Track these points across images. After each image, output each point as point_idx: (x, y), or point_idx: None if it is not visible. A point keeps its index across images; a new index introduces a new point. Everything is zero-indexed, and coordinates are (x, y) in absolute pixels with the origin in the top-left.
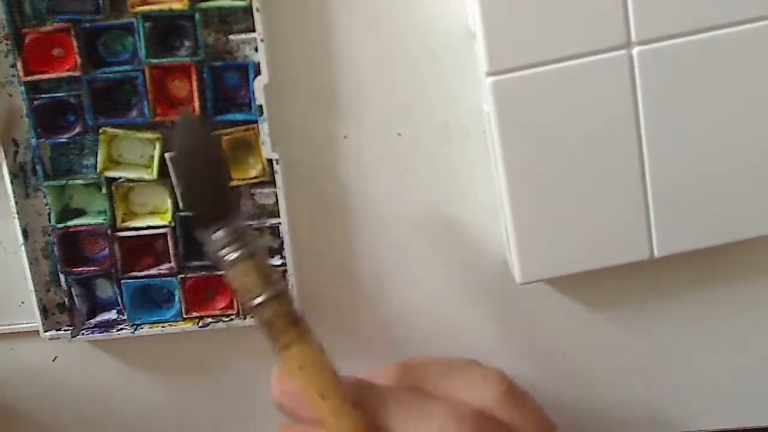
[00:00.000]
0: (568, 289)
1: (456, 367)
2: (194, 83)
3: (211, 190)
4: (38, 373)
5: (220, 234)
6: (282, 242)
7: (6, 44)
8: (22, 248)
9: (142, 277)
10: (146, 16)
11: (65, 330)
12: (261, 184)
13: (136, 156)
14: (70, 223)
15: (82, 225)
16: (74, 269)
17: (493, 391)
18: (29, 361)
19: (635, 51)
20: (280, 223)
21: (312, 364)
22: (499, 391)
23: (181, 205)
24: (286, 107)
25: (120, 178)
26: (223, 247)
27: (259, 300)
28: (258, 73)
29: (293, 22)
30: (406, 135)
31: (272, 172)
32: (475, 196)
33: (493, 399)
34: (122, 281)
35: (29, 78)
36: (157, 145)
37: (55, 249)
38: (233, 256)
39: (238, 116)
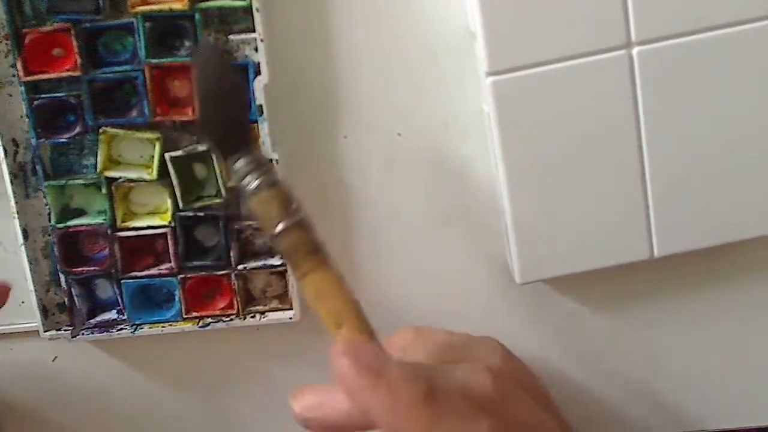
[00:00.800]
0: (568, 289)
1: (454, 335)
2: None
3: (233, 117)
4: (38, 373)
5: (241, 162)
6: None
7: (6, 44)
8: (22, 248)
9: (142, 277)
10: (146, 16)
11: (65, 330)
12: None
13: (136, 156)
14: (70, 223)
15: (82, 225)
16: (74, 269)
17: (497, 353)
18: (29, 361)
19: (635, 51)
20: None
21: (328, 292)
22: (500, 353)
23: (202, 132)
24: (286, 107)
25: (120, 178)
26: (245, 176)
27: (280, 228)
28: (258, 73)
29: (293, 22)
30: (406, 135)
31: None
32: (475, 196)
33: (500, 359)
34: (122, 281)
35: (29, 78)
36: (157, 145)
37: (55, 249)
38: (255, 184)
39: None
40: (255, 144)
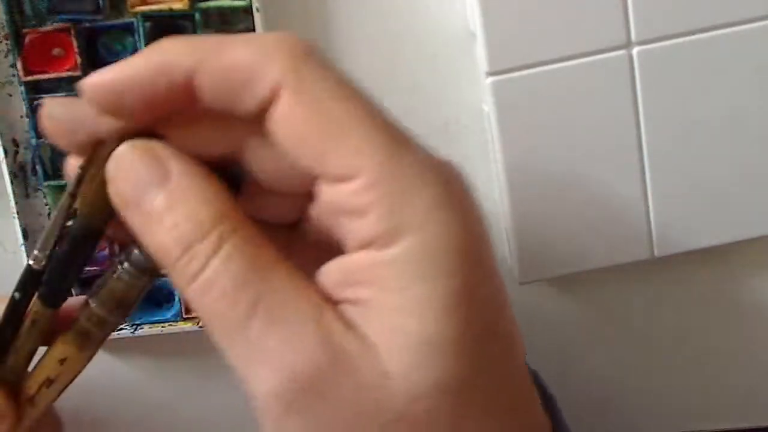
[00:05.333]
0: (568, 289)
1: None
2: None
3: None
4: None
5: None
6: None
7: (6, 44)
8: (22, 248)
9: None
10: (146, 16)
11: None
12: None
13: None
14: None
15: None
16: None
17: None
18: None
19: (635, 51)
20: None
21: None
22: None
23: None
24: None
25: None
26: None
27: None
28: None
29: (293, 22)
30: None
31: None
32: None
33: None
34: None
35: (29, 78)
36: None
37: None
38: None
39: None
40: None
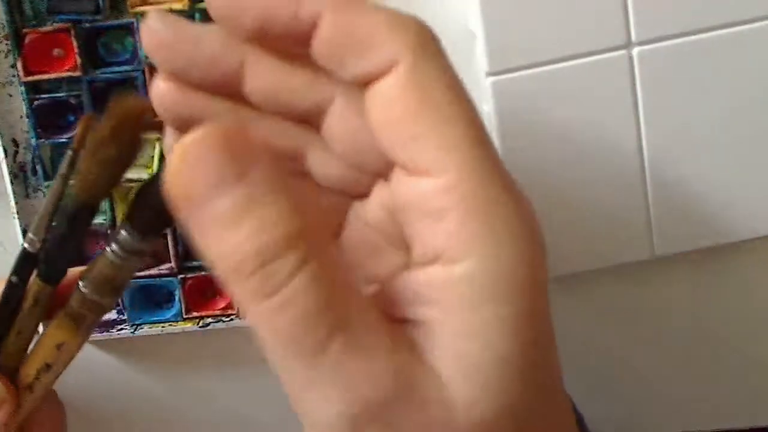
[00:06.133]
0: (568, 289)
1: None
2: None
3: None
4: None
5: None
6: None
7: (6, 44)
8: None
9: (142, 278)
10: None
11: None
12: None
13: None
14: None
15: None
16: None
17: None
18: None
19: (635, 51)
20: None
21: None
22: None
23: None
24: None
25: None
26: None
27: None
28: None
29: None
30: None
31: None
32: None
33: None
34: None
35: (29, 78)
36: (157, 145)
37: None
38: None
39: None
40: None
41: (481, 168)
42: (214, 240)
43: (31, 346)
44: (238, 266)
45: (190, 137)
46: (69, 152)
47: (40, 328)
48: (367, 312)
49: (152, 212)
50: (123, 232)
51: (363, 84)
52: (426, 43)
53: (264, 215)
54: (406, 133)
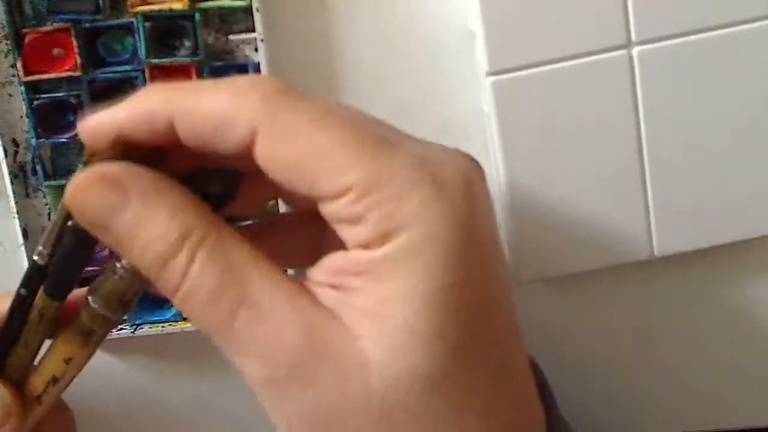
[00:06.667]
0: (568, 289)
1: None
2: None
3: None
4: None
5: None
6: None
7: (6, 44)
8: (22, 248)
9: None
10: (146, 16)
11: None
12: None
13: None
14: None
15: None
16: None
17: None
18: None
19: (635, 51)
20: None
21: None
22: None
23: None
24: None
25: None
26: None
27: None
28: (258, 73)
29: (293, 22)
30: None
31: None
32: None
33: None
34: None
35: (29, 78)
36: None
37: None
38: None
39: None
40: None
41: (380, 167)
42: (126, 255)
43: (38, 358)
44: (149, 271)
45: (76, 177)
46: (80, 165)
47: (47, 342)
48: (272, 282)
49: None
50: None
51: (244, 156)
52: (276, 97)
53: (151, 227)
54: (303, 181)
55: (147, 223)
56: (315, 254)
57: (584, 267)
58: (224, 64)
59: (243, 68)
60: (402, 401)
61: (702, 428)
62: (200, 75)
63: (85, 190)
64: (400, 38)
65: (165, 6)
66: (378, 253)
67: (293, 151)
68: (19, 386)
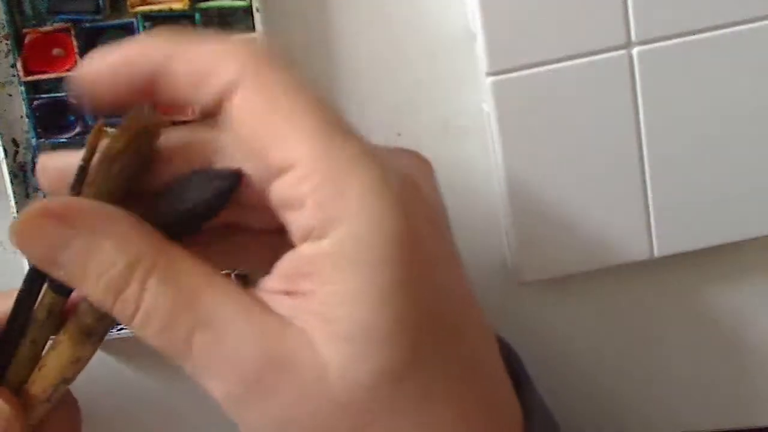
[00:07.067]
0: (568, 289)
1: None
2: None
3: None
4: None
5: None
6: None
7: (6, 44)
8: None
9: None
10: (146, 16)
11: None
12: None
13: None
14: None
15: None
16: None
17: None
18: None
19: (635, 51)
20: None
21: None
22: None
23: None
24: None
25: None
26: None
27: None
28: None
29: (293, 22)
30: (406, 135)
31: None
32: (475, 196)
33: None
34: None
35: (29, 78)
36: None
37: None
38: None
39: None
40: None
41: (331, 149)
42: (81, 289)
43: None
44: (104, 303)
45: (21, 215)
46: (80, 164)
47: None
48: (225, 300)
49: (162, 225)
50: None
51: (217, 112)
52: (262, 58)
53: (100, 259)
54: (260, 142)
55: (95, 255)
56: (274, 257)
57: (584, 267)
58: None
59: None
60: (369, 400)
61: (702, 428)
62: None
63: (29, 228)
64: (400, 38)
65: (165, 6)
66: (321, 247)
67: (259, 111)
68: (23, 386)
